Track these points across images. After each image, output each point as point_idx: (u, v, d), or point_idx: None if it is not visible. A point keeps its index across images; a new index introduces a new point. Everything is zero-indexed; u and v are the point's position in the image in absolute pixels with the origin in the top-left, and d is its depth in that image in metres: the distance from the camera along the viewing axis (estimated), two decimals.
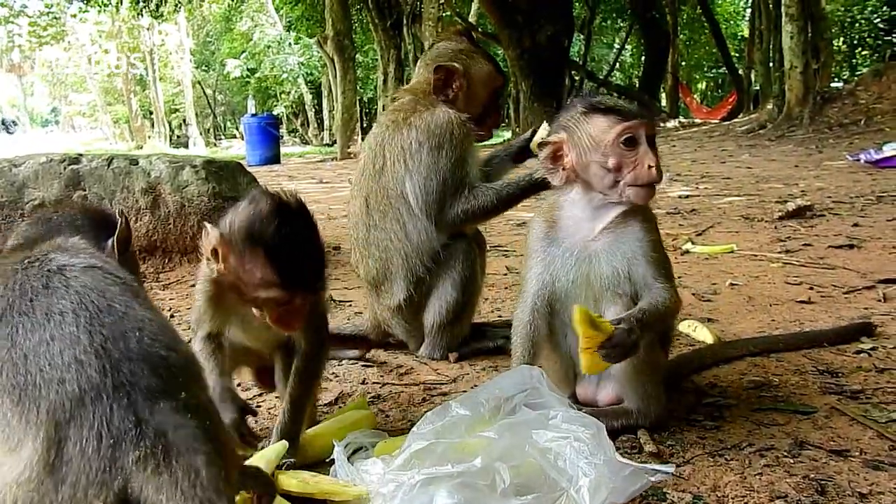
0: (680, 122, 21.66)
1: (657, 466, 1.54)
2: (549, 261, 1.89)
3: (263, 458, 1.53)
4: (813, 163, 9.36)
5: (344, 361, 2.52)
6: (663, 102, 29.35)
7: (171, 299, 3.59)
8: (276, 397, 1.98)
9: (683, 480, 1.59)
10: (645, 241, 1.80)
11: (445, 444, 1.39)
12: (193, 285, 3.75)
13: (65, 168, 3.96)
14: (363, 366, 2.49)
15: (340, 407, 2.11)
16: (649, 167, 1.74)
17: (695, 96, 32.15)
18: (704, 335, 2.61)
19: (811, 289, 3.26)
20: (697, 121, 22.34)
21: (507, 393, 1.48)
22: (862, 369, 2.22)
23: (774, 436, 1.79)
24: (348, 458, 1.63)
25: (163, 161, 4.08)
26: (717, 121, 20.78)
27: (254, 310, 1.60)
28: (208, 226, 1.57)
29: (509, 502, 1.30)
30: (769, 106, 14.81)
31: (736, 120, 18.08)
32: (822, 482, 1.54)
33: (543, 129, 2.24)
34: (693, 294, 3.27)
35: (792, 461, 1.65)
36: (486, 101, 2.55)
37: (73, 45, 36.79)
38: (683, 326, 2.70)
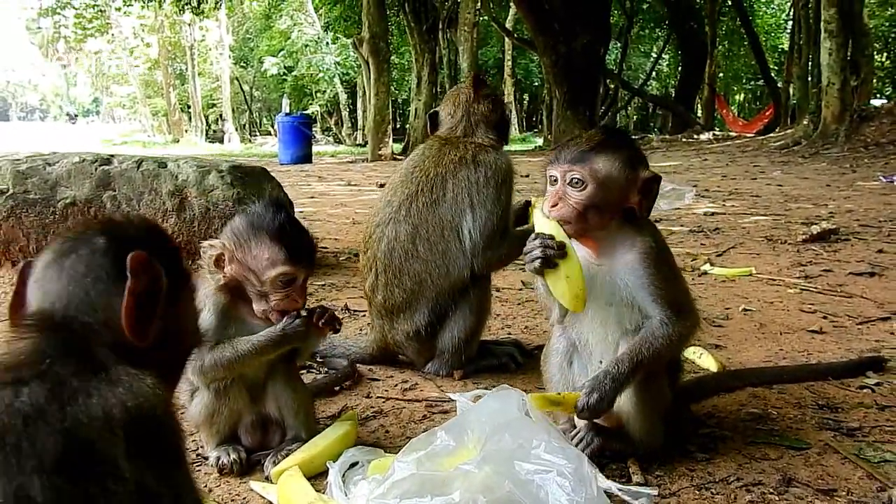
0: (714, 134, 21.39)
1: (640, 489, 1.57)
2: None
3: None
4: (845, 183, 9.21)
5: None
6: (699, 113, 29.05)
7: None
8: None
9: None
10: (643, 269, 1.78)
11: (427, 475, 1.43)
12: None
13: (96, 168, 4.09)
14: (370, 379, 2.56)
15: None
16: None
17: (732, 108, 31.75)
18: (709, 363, 2.62)
19: (824, 318, 3.24)
20: (732, 134, 22.05)
21: (492, 419, 1.53)
22: (863, 405, 2.21)
23: (764, 471, 1.80)
24: (344, 473, 1.70)
25: (190, 165, 4.19)
26: (752, 134, 20.50)
27: (257, 308, 1.81)
28: (206, 242, 1.72)
29: None
30: (804, 122, 14.58)
31: (770, 135, 17.82)
32: None
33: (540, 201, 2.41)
34: (704, 318, 3.26)
35: (777, 498, 1.67)
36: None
37: (116, 38, 37.59)
38: (689, 353, 2.70)
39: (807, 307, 3.45)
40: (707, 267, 4.39)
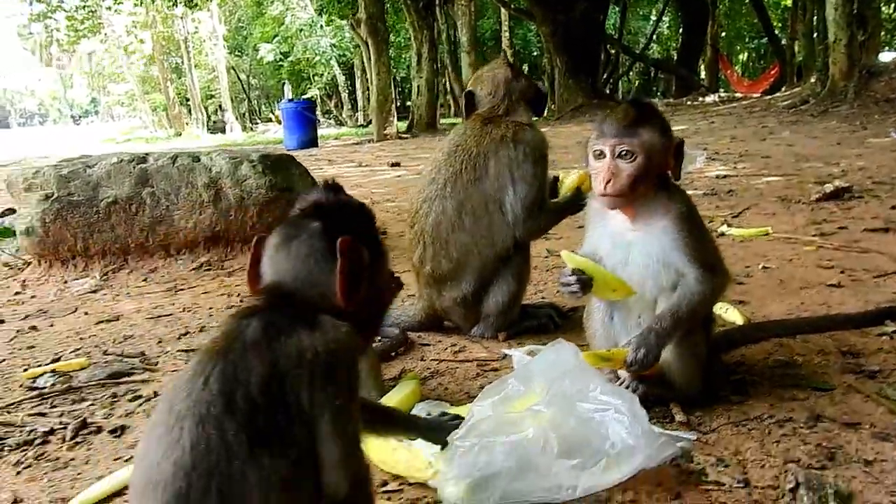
0: (719, 96, 21.34)
1: (683, 434, 1.76)
2: (596, 239, 2.11)
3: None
4: (856, 140, 9.27)
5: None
6: (702, 75, 28.91)
7: (237, 285, 3.90)
8: None
9: (709, 446, 1.82)
10: (677, 232, 1.95)
11: (502, 415, 1.64)
12: None
13: (134, 167, 4.28)
14: (421, 344, 2.77)
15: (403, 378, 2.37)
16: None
17: (736, 68, 31.49)
18: (735, 317, 2.79)
19: (842, 272, 3.39)
20: (738, 95, 21.97)
21: (553, 368, 1.72)
22: (882, 350, 2.38)
23: (794, 409, 1.99)
24: None
25: (222, 157, 4.37)
26: (758, 95, 20.42)
27: None
28: None
29: (557, 463, 1.54)
30: (812, 80, 14.52)
31: (778, 94, 17.77)
32: (833, 450, 1.75)
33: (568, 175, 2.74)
34: None
35: (807, 431, 1.86)
36: None
37: (109, 37, 37.52)
38: (715, 308, 2.86)
39: (824, 263, 3.59)
40: (724, 228, 4.54)
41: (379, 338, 2.76)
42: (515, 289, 2.73)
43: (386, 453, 1.73)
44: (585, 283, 1.97)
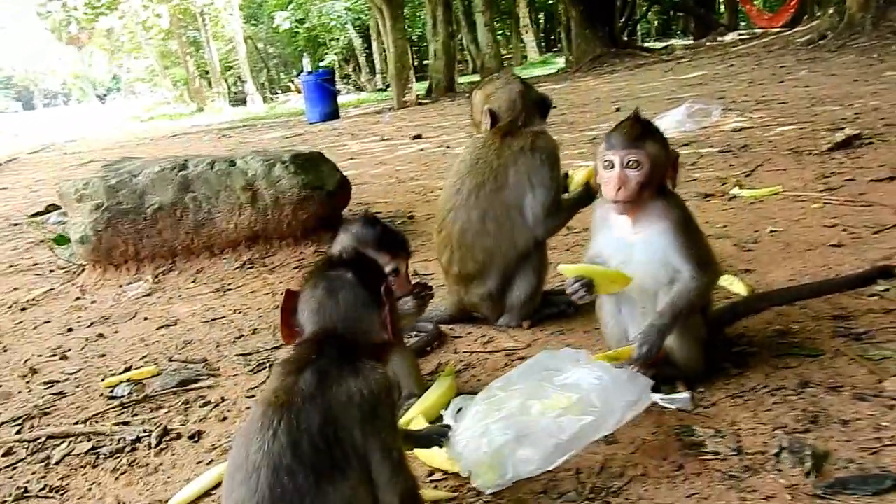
0: (739, 34, 20.92)
1: (678, 395, 2.02)
2: (602, 242, 2.36)
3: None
4: (873, 75, 9.22)
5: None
6: (721, 10, 28.16)
7: (279, 283, 4.22)
8: None
9: (709, 419, 2.08)
10: (675, 234, 2.19)
11: (486, 402, 1.97)
12: (296, 268, 4.42)
13: (176, 174, 4.59)
14: (453, 337, 3.05)
15: (439, 373, 2.65)
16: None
17: (755, 2, 30.60)
18: (739, 288, 3.02)
19: (844, 230, 3.56)
20: (757, 31, 21.50)
21: (531, 368, 2.05)
22: (872, 311, 2.60)
23: (786, 377, 2.24)
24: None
25: (257, 160, 4.65)
26: (778, 28, 20.01)
27: None
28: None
29: (544, 419, 1.85)
30: (830, 12, 14.21)
31: (796, 30, 17.37)
32: (816, 414, 2.00)
33: (577, 172, 2.98)
34: (734, 245, 3.65)
35: (796, 398, 2.11)
36: None
37: (126, 13, 37.66)
38: (722, 280, 3.08)
39: (829, 221, 3.76)
40: (736, 190, 4.70)
41: (415, 333, 3.05)
42: (536, 281, 2.99)
43: (428, 452, 2.02)
44: (588, 285, 2.23)
